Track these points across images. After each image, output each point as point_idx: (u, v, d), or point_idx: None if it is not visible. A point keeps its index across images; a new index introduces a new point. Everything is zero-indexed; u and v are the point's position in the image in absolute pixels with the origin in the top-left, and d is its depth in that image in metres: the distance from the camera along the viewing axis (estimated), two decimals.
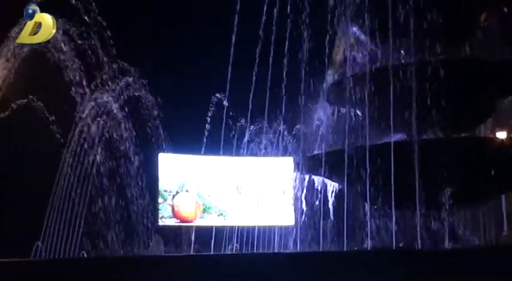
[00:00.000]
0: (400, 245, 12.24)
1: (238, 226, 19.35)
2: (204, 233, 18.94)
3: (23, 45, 16.88)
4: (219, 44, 16.04)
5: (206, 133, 18.47)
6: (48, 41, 16.54)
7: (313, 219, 14.71)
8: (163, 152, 19.56)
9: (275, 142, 20.41)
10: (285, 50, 13.54)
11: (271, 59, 13.95)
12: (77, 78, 17.62)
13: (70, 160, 18.02)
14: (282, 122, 18.84)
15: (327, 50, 13.52)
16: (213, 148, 18.64)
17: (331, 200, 14.62)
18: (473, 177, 12.21)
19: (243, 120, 19.20)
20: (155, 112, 19.26)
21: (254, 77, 14.20)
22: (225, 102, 18.04)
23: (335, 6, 13.04)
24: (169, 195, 19.12)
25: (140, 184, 19.12)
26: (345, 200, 13.51)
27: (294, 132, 18.92)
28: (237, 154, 20.19)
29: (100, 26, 17.23)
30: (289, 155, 19.04)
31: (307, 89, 13.79)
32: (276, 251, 18.75)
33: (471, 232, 16.33)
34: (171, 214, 18.94)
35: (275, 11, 13.94)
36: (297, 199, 15.98)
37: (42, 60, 17.26)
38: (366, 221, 13.10)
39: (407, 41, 12.22)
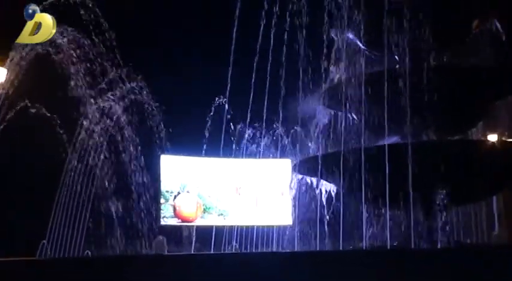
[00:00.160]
0: (395, 244, 12.23)
1: (237, 226, 19.33)
2: (204, 232, 18.92)
3: (29, 50, 16.86)
4: (220, 50, 16.02)
5: (206, 136, 18.43)
6: (52, 45, 16.52)
7: (310, 219, 14.67)
8: (165, 154, 19.55)
9: (273, 144, 20.41)
10: (283, 55, 13.51)
11: (269, 64, 13.92)
12: (82, 82, 17.59)
13: (75, 161, 17.99)
14: (279, 125, 18.84)
15: (323, 56, 13.49)
16: (213, 150, 18.62)
17: (326, 200, 14.58)
18: (466, 178, 12.18)
19: (242, 124, 19.20)
20: (157, 115, 19.23)
21: (253, 82, 14.16)
22: (225, 106, 18.04)
23: (332, 13, 13.01)
24: (171, 195, 19.13)
25: (143, 184, 19.08)
26: (341, 201, 13.49)
27: (291, 135, 18.92)
28: (237, 156, 20.17)
29: (104, 32, 17.21)
30: (287, 157, 19.05)
31: (304, 93, 13.76)
32: (274, 250, 18.73)
33: (464, 231, 16.37)
34: (172, 214, 18.94)
35: (274, 16, 13.91)
36: (294, 200, 15.95)
37: (49, 64, 17.24)
38: (361, 221, 13.08)
39: (402, 47, 12.18)
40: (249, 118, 16.44)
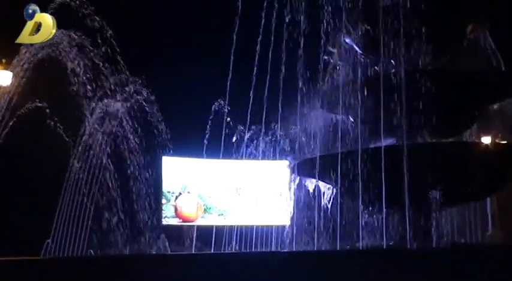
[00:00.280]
0: (390, 243, 12.22)
1: (237, 226, 19.34)
2: (205, 232, 18.93)
3: (34, 54, 16.84)
4: (220, 55, 16.02)
5: (207, 138, 18.43)
6: (56, 49, 16.50)
7: (308, 219, 14.66)
8: (167, 155, 19.55)
9: (272, 146, 20.41)
10: (282, 60, 13.50)
11: (268, 68, 13.92)
12: (86, 85, 17.59)
13: (78, 163, 17.99)
14: (278, 127, 18.84)
15: (321, 60, 13.50)
16: (213, 152, 18.62)
17: (323, 200, 14.57)
18: (460, 179, 12.18)
19: (241, 126, 19.20)
20: (159, 118, 19.23)
21: (252, 86, 14.15)
22: (225, 109, 18.04)
23: (329, 18, 13.01)
24: (172, 196, 19.17)
25: (145, 185, 19.09)
26: (338, 201, 13.49)
27: (289, 137, 18.91)
28: (236, 157, 20.18)
29: (107, 36, 17.21)
30: (285, 159, 19.05)
31: (302, 97, 13.76)
32: (273, 249, 18.71)
33: (458, 231, 16.35)
34: (174, 214, 18.99)
35: (273, 21, 13.91)
36: (292, 200, 15.94)
37: (53, 68, 17.23)
38: (357, 221, 13.07)
39: (397, 52, 12.18)
40: (248, 120, 16.42)
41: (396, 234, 12.40)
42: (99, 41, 17.12)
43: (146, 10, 26.06)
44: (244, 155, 20.38)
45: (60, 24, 16.24)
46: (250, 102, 14.56)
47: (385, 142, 12.60)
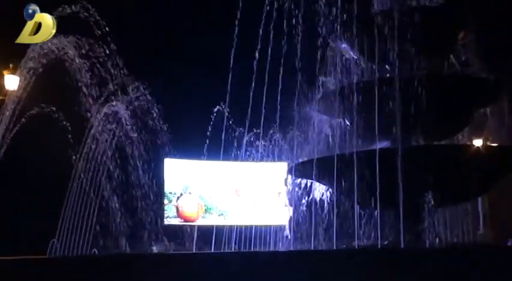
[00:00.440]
0: (385, 243, 12.22)
1: (237, 225, 19.31)
2: (205, 231, 18.89)
3: (40, 59, 16.84)
4: (220, 60, 16.04)
5: (207, 140, 18.41)
6: (61, 54, 16.49)
7: (305, 219, 14.66)
8: (169, 157, 19.52)
9: (270, 148, 20.39)
10: (281, 65, 13.52)
11: (267, 73, 13.93)
12: (90, 89, 17.59)
13: (83, 164, 17.98)
14: (277, 130, 18.84)
15: (318, 65, 13.52)
16: (213, 154, 18.59)
17: (320, 201, 14.58)
18: (452, 180, 12.19)
19: (241, 129, 19.18)
20: (161, 121, 19.23)
21: (252, 90, 14.17)
22: (225, 112, 18.03)
23: (326, 24, 13.03)
24: (174, 197, 19.09)
25: (147, 186, 19.07)
26: (334, 202, 13.48)
27: (287, 139, 18.89)
28: (236, 159, 20.16)
29: (110, 41, 17.23)
30: (284, 161, 19.02)
31: (300, 101, 13.78)
32: (271, 249, 18.70)
33: (450, 231, 16.34)
34: (175, 214, 18.90)
35: (271, 27, 13.93)
36: (290, 201, 15.94)
37: (59, 72, 17.25)
38: (353, 221, 13.07)
39: (392, 57, 12.20)
40: (247, 124, 16.42)
41: (391, 234, 12.41)
42: (103, 46, 17.14)
43: (148, 14, 26.13)
44: (243, 157, 20.35)
45: (65, 30, 16.29)
46: (250, 106, 14.56)
47: (380, 144, 12.62)
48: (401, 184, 11.26)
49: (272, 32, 13.78)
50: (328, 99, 13.20)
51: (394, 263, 7.43)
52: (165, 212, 18.91)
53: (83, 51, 17.19)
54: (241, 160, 20.34)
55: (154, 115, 19.03)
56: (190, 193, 19.35)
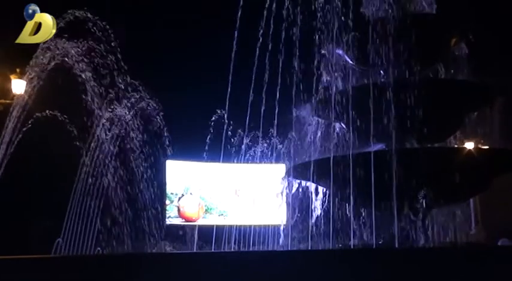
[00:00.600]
0: (380, 242, 12.22)
1: (236, 225, 19.33)
2: (206, 231, 18.92)
3: (45, 63, 16.85)
4: (219, 66, 16.06)
5: (208, 142, 18.43)
6: (68, 59, 16.49)
7: (303, 219, 14.66)
8: (170, 159, 19.54)
9: (269, 151, 20.40)
10: (279, 69, 13.53)
11: (266, 77, 13.94)
12: (95, 93, 17.59)
13: (88, 166, 17.98)
14: (275, 133, 18.84)
15: (315, 70, 13.52)
16: (214, 156, 18.61)
17: (317, 202, 14.57)
18: (445, 182, 12.18)
19: (240, 131, 19.20)
20: (163, 124, 19.25)
21: (251, 94, 14.18)
22: (225, 116, 18.02)
23: (322, 31, 13.04)
24: (176, 197, 19.16)
25: (150, 187, 19.09)
26: (331, 203, 13.48)
27: (285, 142, 18.89)
28: (236, 161, 20.18)
29: (115, 47, 17.24)
30: (282, 162, 19.03)
31: (297, 105, 13.78)
32: (270, 248, 18.70)
33: (443, 231, 16.32)
34: (177, 214, 18.98)
35: (270, 33, 13.94)
36: (288, 201, 15.93)
37: (64, 77, 17.26)
38: (349, 222, 13.07)
39: (386, 63, 12.20)
40: (247, 127, 16.42)
41: (385, 233, 12.40)
42: (108, 51, 17.15)
43: (152, 21, 26.14)
44: (243, 159, 20.38)
45: (70, 35, 16.31)
46: (248, 110, 14.56)
47: (375, 147, 12.62)
48: (396, 185, 11.24)
49: (271, 38, 13.78)
50: (325, 103, 13.20)
51: (388, 262, 7.44)
52: (166, 212, 18.95)
53: (88, 56, 17.20)
54: (241, 162, 20.36)
55: (157, 119, 19.05)
56: (191, 194, 19.41)
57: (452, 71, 14.00)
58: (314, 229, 13.52)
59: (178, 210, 19.34)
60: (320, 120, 14.25)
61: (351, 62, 13.72)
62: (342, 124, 13.41)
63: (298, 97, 13.50)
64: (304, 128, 14.63)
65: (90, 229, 17.88)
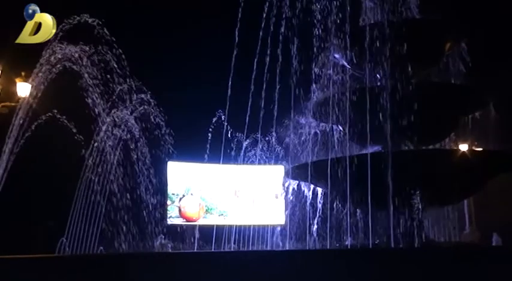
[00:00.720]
0: (376, 242, 12.21)
1: (236, 225, 19.31)
2: (206, 231, 18.88)
3: (51, 68, 16.84)
4: (219, 71, 16.07)
5: (208, 144, 18.42)
6: (72, 63, 16.46)
7: (301, 219, 14.66)
8: (172, 160, 19.52)
9: (268, 152, 20.40)
10: (277, 74, 13.53)
11: (265, 81, 13.94)
12: (98, 96, 17.58)
13: (91, 167, 17.96)
14: (274, 135, 18.85)
15: (313, 73, 13.53)
16: (214, 157, 18.59)
17: (314, 202, 14.57)
18: (440, 183, 12.18)
19: (240, 133, 19.19)
20: (165, 126, 19.23)
21: (250, 97, 14.18)
22: (225, 118, 18.03)
23: (320, 36, 13.05)
24: (177, 198, 19.12)
25: (152, 187, 19.07)
26: (328, 203, 13.47)
27: (284, 144, 18.90)
28: (235, 163, 20.17)
29: (117, 50, 17.24)
30: (280, 164, 19.03)
31: (296, 107, 13.79)
32: (268, 248, 18.69)
33: (438, 231, 16.32)
34: (178, 214, 18.95)
35: (269, 39, 13.94)
36: (286, 202, 15.93)
37: (68, 80, 17.25)
38: (346, 222, 13.06)
39: (382, 67, 12.21)
40: (246, 129, 16.42)
41: (382, 233, 12.39)
42: (111, 54, 17.15)
43: (154, 25, 26.13)
44: (242, 161, 20.37)
45: (74, 38, 16.30)
46: (248, 112, 14.57)
47: (371, 149, 12.62)
48: (392, 186, 11.24)
49: (269, 42, 13.79)
50: (323, 106, 13.20)
51: (384, 262, 7.43)
52: (168, 212, 18.92)
53: (91, 60, 17.19)
54: (240, 163, 20.36)
55: (158, 120, 19.03)
56: (192, 194, 19.38)
57: (447, 74, 14.00)
58: (311, 229, 13.51)
59: (180, 210, 19.31)
60: (318, 122, 14.26)
61: (347, 65, 13.73)
62: (339, 127, 13.41)
63: (297, 100, 13.52)
64: (302, 130, 14.64)
65: (93, 228, 17.85)
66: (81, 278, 7.29)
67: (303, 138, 14.63)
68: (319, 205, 14.39)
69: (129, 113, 18.49)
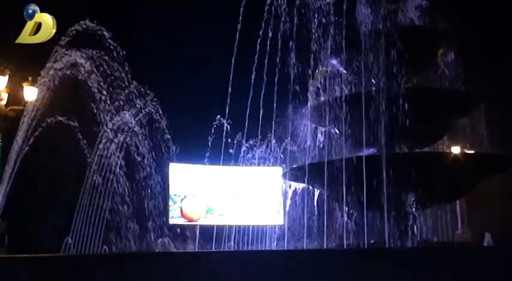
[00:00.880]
0: (371, 242, 12.20)
1: (235, 225, 19.29)
2: (207, 230, 18.87)
3: (56, 72, 16.83)
4: (219, 75, 16.08)
5: (209, 146, 18.40)
6: (77, 68, 16.44)
7: (298, 220, 14.65)
8: (173, 162, 19.50)
9: (266, 154, 20.38)
10: (276, 78, 13.53)
11: (264, 85, 13.94)
12: (102, 100, 17.58)
13: (95, 169, 17.95)
14: (272, 138, 18.83)
15: (310, 78, 13.52)
16: (214, 159, 18.59)
17: (312, 203, 14.56)
18: (433, 184, 12.16)
19: (240, 136, 19.17)
20: (167, 129, 19.23)
21: (250, 101, 14.18)
22: (225, 121, 18.01)
23: (317, 41, 13.05)
24: (178, 198, 19.09)
25: (154, 188, 19.06)
26: (325, 204, 13.47)
27: (282, 146, 18.89)
28: (235, 164, 20.16)
29: (122, 55, 17.24)
30: (279, 166, 19.02)
31: (293, 111, 13.79)
32: (267, 247, 18.68)
33: (431, 231, 16.30)
34: (179, 214, 18.92)
35: (267, 44, 13.94)
36: (284, 203, 15.93)
37: (73, 85, 17.24)
38: (342, 222, 13.04)
39: (377, 71, 12.20)
40: (245, 132, 16.42)
41: (377, 234, 12.38)
42: (115, 59, 17.15)
43: (157, 30, 26.13)
44: (242, 162, 20.35)
45: (80, 44, 16.30)
46: (247, 115, 14.56)
47: (367, 151, 12.61)
48: (386, 187, 11.22)
49: (268, 47, 13.79)
50: (319, 110, 13.20)
51: (379, 262, 7.39)
52: (170, 212, 18.91)
53: (96, 64, 17.19)
54: (240, 165, 20.34)
55: (160, 123, 19.02)
56: (193, 195, 19.36)
57: (440, 79, 14.00)
58: (309, 229, 13.50)
59: (181, 210, 19.31)
60: (315, 125, 14.25)
61: (344, 71, 13.72)
62: (336, 130, 13.39)
63: (295, 103, 13.51)
64: (300, 132, 14.63)
65: (98, 228, 17.83)
66: (81, 278, 7.25)
67: (301, 140, 14.62)
68: (316, 206, 14.38)
69: (133, 117, 18.48)
